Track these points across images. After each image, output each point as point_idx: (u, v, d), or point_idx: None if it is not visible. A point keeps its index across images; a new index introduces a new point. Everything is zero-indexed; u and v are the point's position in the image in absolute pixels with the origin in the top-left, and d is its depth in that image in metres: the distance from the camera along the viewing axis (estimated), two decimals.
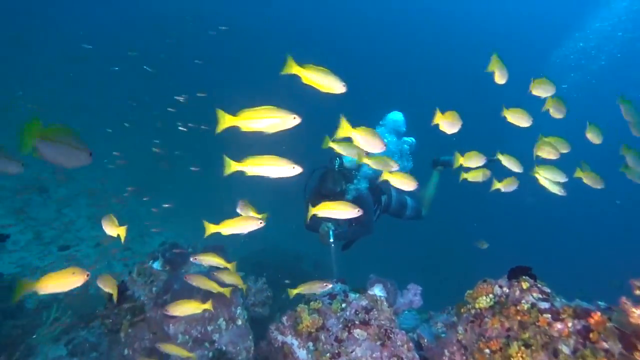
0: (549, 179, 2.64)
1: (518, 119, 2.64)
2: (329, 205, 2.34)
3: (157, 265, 3.03)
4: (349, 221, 3.98)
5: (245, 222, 2.21)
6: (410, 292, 2.53)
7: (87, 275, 1.75)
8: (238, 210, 2.49)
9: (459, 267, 10.72)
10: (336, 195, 3.69)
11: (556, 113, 2.71)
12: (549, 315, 1.66)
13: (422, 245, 11.31)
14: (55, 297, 4.44)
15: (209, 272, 2.62)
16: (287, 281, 6.14)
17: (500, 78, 2.62)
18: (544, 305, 1.73)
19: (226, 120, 1.80)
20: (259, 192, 12.34)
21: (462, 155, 2.68)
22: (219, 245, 3.48)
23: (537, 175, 2.66)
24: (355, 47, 24.49)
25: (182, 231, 8.82)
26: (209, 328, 2.83)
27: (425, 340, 2.32)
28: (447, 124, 2.43)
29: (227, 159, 1.92)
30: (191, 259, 2.44)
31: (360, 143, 2.21)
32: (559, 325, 1.59)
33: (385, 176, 2.52)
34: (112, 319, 2.87)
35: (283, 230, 11.11)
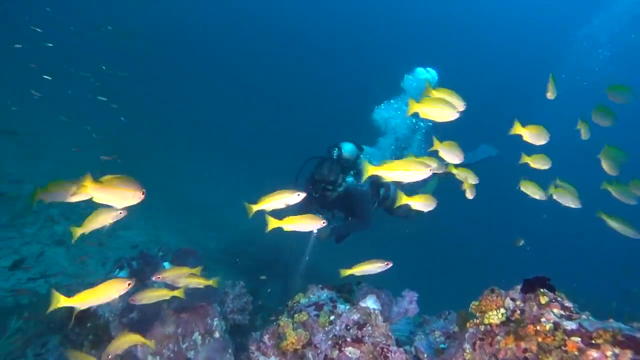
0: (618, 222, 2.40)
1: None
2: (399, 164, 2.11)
3: (123, 275, 2.67)
4: (346, 214, 3.82)
5: (310, 221, 2.17)
6: (405, 300, 2.26)
7: (129, 284, 1.73)
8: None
9: (452, 267, 10.58)
10: (329, 184, 3.51)
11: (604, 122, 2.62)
12: (579, 339, 1.40)
13: (414, 245, 11.11)
14: (17, 304, 4.02)
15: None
16: (262, 277, 5.83)
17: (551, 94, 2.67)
18: (570, 325, 1.46)
19: (414, 107, 2.08)
20: (234, 179, 11.95)
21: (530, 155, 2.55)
22: (190, 249, 3.14)
23: (603, 217, 2.42)
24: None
25: (158, 224, 8.38)
26: (184, 345, 2.51)
27: (425, 356, 2.06)
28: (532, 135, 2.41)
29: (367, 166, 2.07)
30: (153, 279, 2.10)
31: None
32: (594, 354, 1.32)
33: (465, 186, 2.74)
34: (73, 338, 2.51)
35: (260, 219, 10.78)
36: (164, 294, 2.12)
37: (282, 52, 24.49)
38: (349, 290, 3.41)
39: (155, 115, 14.55)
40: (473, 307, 1.88)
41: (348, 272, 2.22)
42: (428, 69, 4.62)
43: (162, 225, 8.43)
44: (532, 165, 2.53)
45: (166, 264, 3.02)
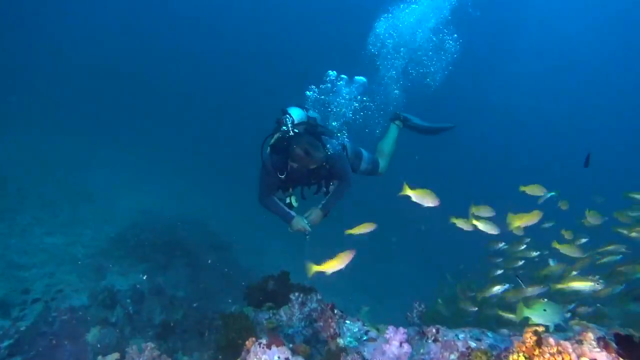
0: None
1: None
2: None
3: None
4: (327, 183, 3.43)
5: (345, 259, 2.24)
6: (392, 344, 1.54)
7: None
8: None
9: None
10: (323, 162, 3.03)
11: None
12: None
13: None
14: None
15: None
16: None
17: None
18: None
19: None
20: (119, 165, 10.20)
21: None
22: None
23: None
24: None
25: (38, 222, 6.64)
26: None
27: None
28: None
29: None
30: None
31: None
32: None
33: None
34: None
35: (153, 194, 9.40)
36: None
37: None
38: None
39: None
40: None
41: (316, 268, 2.25)
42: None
43: (45, 221, 6.75)
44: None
45: None
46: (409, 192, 2.58)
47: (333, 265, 2.20)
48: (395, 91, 4.22)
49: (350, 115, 3.73)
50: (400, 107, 4.28)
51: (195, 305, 4.69)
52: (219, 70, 21.76)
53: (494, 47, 19.56)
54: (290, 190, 3.36)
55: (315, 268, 2.26)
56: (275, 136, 3.12)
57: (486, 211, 2.79)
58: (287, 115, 3.08)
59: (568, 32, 18.47)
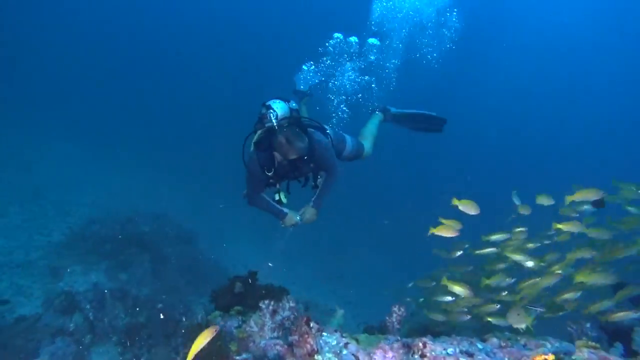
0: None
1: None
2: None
3: None
4: (315, 177, 3.32)
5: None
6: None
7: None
8: None
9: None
10: (305, 155, 2.88)
11: None
12: None
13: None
14: None
15: None
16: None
17: None
18: None
19: None
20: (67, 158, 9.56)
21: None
22: None
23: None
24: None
25: None
26: None
27: None
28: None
29: None
30: None
31: None
32: None
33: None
34: None
35: (110, 188, 8.86)
36: None
37: None
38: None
39: None
40: None
41: (433, 230, 2.92)
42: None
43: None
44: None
45: None
46: (456, 202, 2.97)
47: (447, 231, 2.86)
48: (393, 62, 4.22)
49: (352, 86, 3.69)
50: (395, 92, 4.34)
51: (160, 306, 4.43)
52: (177, 59, 20.88)
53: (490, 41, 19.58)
54: (278, 186, 3.25)
55: (432, 230, 2.87)
56: (259, 133, 2.97)
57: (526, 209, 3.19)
58: (271, 110, 2.92)
59: (566, 27, 18.57)
